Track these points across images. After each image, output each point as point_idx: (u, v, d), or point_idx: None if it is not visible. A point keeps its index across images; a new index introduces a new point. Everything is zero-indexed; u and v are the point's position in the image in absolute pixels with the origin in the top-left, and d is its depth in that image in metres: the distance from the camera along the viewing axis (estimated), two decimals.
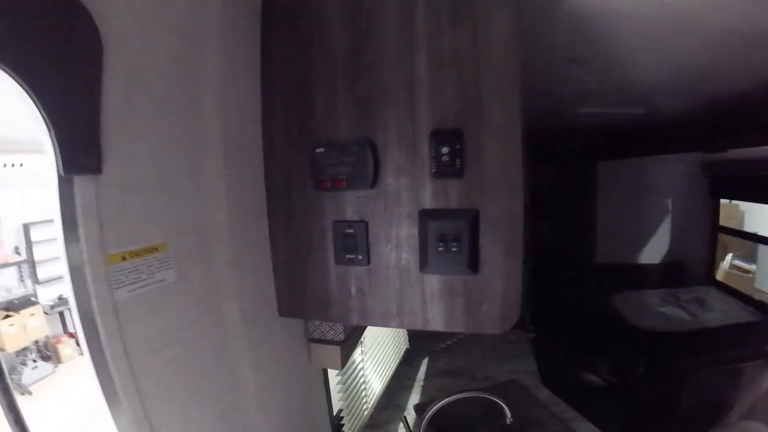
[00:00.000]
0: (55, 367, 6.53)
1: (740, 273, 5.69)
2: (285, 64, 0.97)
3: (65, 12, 0.60)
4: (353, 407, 1.65)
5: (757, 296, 4.00)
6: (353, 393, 1.65)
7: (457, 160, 0.85)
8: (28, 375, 6.06)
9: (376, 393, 1.95)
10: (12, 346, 5.99)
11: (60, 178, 0.63)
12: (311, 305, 1.01)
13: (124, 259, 0.71)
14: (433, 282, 0.91)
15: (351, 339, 1.23)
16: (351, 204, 0.94)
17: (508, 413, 1.34)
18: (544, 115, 3.04)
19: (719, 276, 4.81)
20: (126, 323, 0.71)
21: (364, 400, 1.79)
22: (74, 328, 6.37)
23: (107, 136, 0.67)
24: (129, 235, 0.73)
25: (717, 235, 4.32)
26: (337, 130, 0.93)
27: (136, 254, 0.73)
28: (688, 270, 4.52)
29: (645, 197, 4.71)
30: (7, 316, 6.08)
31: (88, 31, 0.63)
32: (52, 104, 0.60)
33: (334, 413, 1.45)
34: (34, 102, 0.58)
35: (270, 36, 0.97)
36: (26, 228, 6.58)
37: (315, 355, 1.20)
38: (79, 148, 0.64)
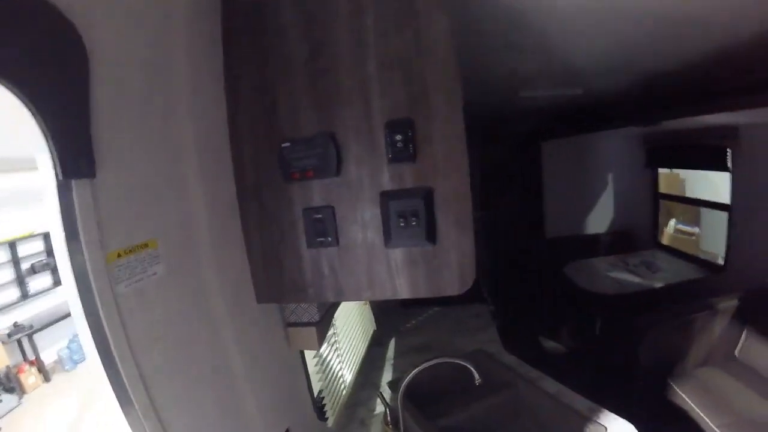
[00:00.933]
0: (21, 398, 6.28)
1: (685, 236, 6.10)
2: (247, 70, 1.04)
3: (55, 28, 0.66)
4: (332, 388, 1.74)
5: (702, 256, 4.32)
6: (330, 375, 1.74)
7: (410, 145, 0.95)
8: None
9: (352, 374, 2.05)
10: None
11: (59, 183, 0.69)
12: (288, 289, 1.10)
13: (119, 256, 0.78)
14: (398, 255, 1.02)
15: (325, 320, 1.32)
16: (318, 192, 1.03)
17: (477, 375, 1.45)
18: (491, 101, 3.18)
19: (665, 240, 5.17)
20: (127, 315, 0.78)
21: (341, 381, 1.88)
22: (34, 355, 6.10)
23: (98, 143, 0.74)
24: (123, 234, 0.80)
25: (658, 202, 4.62)
26: (300, 127, 1.02)
27: (131, 251, 0.81)
28: (634, 237, 4.85)
29: (588, 172, 5.05)
30: None
31: (76, 45, 0.70)
32: (48, 113, 0.65)
33: (315, 395, 1.54)
34: (32, 112, 0.64)
35: (231, 45, 1.05)
36: None
37: (294, 338, 1.28)
38: (74, 154, 0.70)
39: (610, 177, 5.04)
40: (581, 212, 5.10)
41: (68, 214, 0.70)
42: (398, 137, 0.96)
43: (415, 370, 1.47)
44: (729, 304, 2.62)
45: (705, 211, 5.75)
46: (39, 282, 7.23)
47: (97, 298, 0.73)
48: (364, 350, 2.33)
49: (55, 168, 0.68)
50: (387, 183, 1.00)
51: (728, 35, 1.61)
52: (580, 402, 1.66)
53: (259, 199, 1.08)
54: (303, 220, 1.05)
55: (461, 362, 1.47)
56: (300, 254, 1.07)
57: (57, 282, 7.36)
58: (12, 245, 6.82)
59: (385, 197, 1.00)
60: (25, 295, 6.96)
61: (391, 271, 1.03)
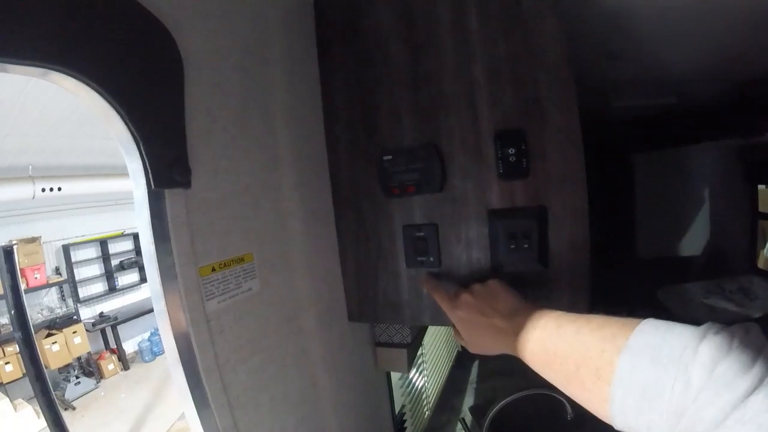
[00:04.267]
0: (98, 382, 6.78)
1: None
2: (344, 75, 1.00)
3: (147, 31, 0.63)
4: (415, 409, 1.66)
5: None
6: (414, 395, 1.66)
7: (524, 159, 0.86)
8: (71, 390, 6.30)
9: (435, 396, 1.96)
10: (55, 364, 6.24)
11: (150, 192, 0.64)
12: (382, 308, 1.03)
13: (213, 270, 0.73)
14: (505, 278, 0.92)
15: (416, 342, 1.24)
16: (419, 208, 0.96)
17: (569, 408, 1.34)
18: (579, 110, 3.02)
19: (761, 264, 4.68)
20: (217, 334, 0.73)
21: (425, 403, 1.80)
22: (116, 344, 6.59)
23: (193, 150, 0.70)
24: (217, 247, 0.75)
25: (757, 223, 4.20)
26: (402, 138, 0.95)
27: (225, 265, 0.76)
28: (730, 260, 4.41)
29: (682, 187, 4.62)
30: (50, 335, 6.30)
31: (169, 47, 0.66)
32: (139, 118, 0.61)
33: (396, 415, 1.47)
34: (122, 117, 0.59)
35: (327, 52, 1.01)
36: (66, 249, 6.82)
37: (381, 358, 1.22)
38: (168, 162, 0.65)
39: (705, 193, 4.60)
40: (675, 231, 4.68)
41: (160, 225, 0.66)
42: (511, 150, 0.86)
43: (505, 401, 1.37)
44: None
45: None
46: (126, 278, 7.82)
47: (187, 315, 0.68)
48: (447, 371, 2.24)
49: (147, 177, 0.63)
50: (496, 200, 0.90)
51: None
52: None
53: (357, 211, 1.02)
54: (403, 237, 0.98)
55: (554, 394, 1.34)
56: (398, 273, 1.00)
57: (143, 279, 8.02)
58: (103, 243, 7.40)
59: (495, 216, 0.90)
60: (112, 289, 7.52)
61: None
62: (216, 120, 0.76)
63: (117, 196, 6.52)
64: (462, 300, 0.78)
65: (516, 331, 0.67)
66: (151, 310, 6.91)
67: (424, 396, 1.80)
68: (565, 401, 1.34)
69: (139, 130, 0.61)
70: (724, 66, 1.89)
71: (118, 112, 0.59)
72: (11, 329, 5.21)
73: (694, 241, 4.63)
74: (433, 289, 0.87)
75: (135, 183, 0.65)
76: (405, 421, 1.52)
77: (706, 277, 4.05)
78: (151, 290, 0.69)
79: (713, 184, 4.55)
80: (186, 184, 0.68)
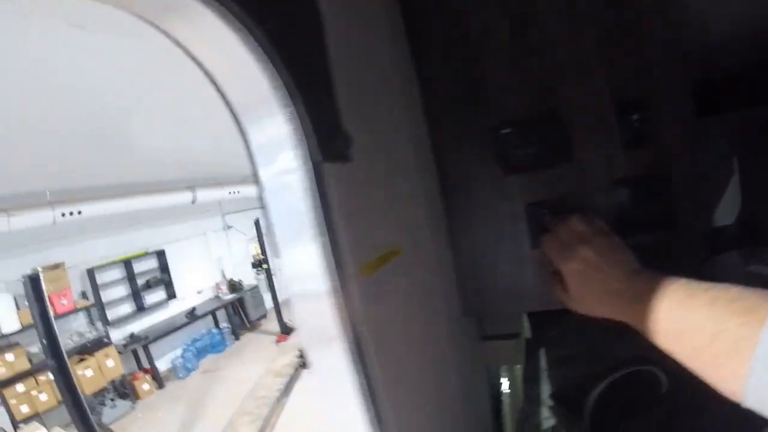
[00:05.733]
0: (134, 403, 6.79)
1: None
2: (442, 42, 0.91)
3: None
4: (513, 396, 1.62)
5: None
6: (512, 381, 1.61)
7: (645, 127, 0.83)
8: (108, 414, 6.34)
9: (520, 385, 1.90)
10: (90, 389, 6.24)
11: (315, 164, 0.51)
12: (503, 297, 0.96)
13: (373, 267, 0.62)
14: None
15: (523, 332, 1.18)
16: (542, 183, 0.89)
17: (665, 380, 1.28)
18: None
19: None
20: (379, 344, 0.61)
21: (516, 395, 1.74)
22: (149, 363, 6.57)
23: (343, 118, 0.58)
24: (375, 239, 0.64)
25: None
26: (517, 110, 0.88)
27: (382, 261, 0.65)
28: (763, 227, 4.31)
29: (714, 157, 4.53)
30: (82, 360, 6.29)
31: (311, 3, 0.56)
32: (297, 69, 0.49)
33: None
34: (275, 65, 0.48)
35: (419, 16, 0.91)
36: (91, 273, 6.82)
37: (491, 351, 1.17)
38: (330, 128, 0.54)
39: (735, 163, 4.53)
40: (709, 201, 4.61)
41: (321, 209, 0.52)
42: (634, 116, 0.83)
43: (603, 384, 1.30)
44: None
45: None
46: (153, 296, 7.82)
47: (358, 327, 0.55)
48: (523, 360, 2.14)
49: (308, 147, 0.50)
50: (621, 169, 0.85)
51: None
52: None
53: (468, 194, 0.94)
54: (527, 218, 0.90)
55: (649, 368, 1.29)
56: (522, 257, 0.92)
57: (170, 296, 8.08)
58: (127, 263, 7.40)
59: (622, 185, 0.85)
60: (140, 308, 7.53)
61: None
62: (356, 84, 0.64)
63: (138, 215, 6.48)
64: (579, 252, 0.71)
65: (636, 296, 0.62)
66: (181, 326, 6.91)
67: (517, 383, 1.74)
68: (659, 373, 1.28)
69: (298, 83, 0.49)
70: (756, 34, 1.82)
71: (272, 60, 0.47)
72: (43, 358, 5.19)
73: (727, 210, 4.56)
74: (543, 238, 0.79)
75: (263, 157, 0.53)
76: (503, 416, 1.47)
77: (738, 247, 3.97)
78: (298, 297, 0.56)
79: (745, 153, 4.47)
80: (348, 156, 0.56)
